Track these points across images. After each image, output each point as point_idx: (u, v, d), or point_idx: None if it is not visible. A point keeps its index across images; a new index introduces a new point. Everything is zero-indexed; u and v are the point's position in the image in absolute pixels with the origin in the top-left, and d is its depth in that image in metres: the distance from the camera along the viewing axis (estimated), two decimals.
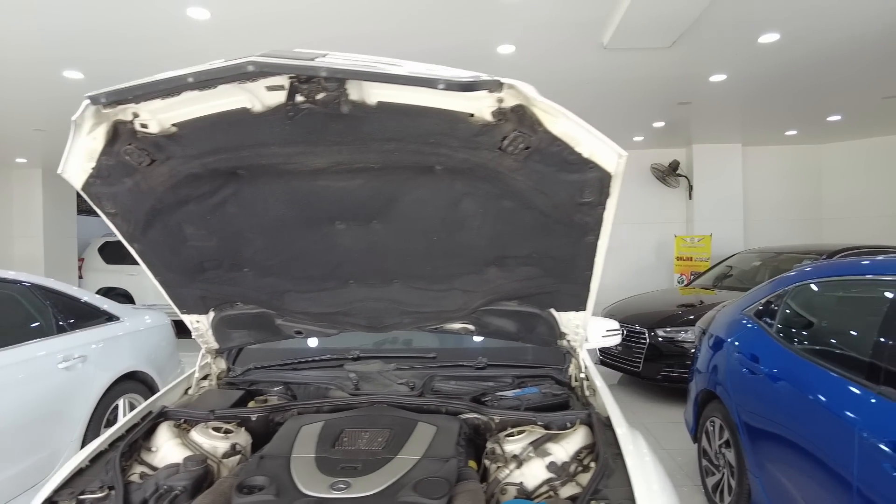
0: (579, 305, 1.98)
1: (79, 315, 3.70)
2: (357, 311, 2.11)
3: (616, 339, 2.89)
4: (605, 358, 6.15)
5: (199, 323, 2.30)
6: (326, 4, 3.83)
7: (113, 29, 4.07)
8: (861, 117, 7.82)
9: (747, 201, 9.79)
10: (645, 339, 5.58)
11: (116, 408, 3.74)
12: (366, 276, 1.97)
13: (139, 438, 1.81)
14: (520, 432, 1.75)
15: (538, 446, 1.67)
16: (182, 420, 1.95)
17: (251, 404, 2.19)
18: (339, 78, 1.20)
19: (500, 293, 1.99)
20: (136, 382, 3.92)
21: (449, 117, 1.32)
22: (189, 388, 2.37)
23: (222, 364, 2.55)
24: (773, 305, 3.02)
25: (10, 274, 3.48)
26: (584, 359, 2.41)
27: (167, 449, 1.76)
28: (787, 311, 2.91)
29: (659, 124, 7.86)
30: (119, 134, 1.44)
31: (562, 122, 1.34)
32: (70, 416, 3.30)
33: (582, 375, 2.25)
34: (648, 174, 9.86)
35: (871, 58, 5.14)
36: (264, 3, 3.75)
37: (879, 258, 2.58)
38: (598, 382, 2.18)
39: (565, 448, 1.66)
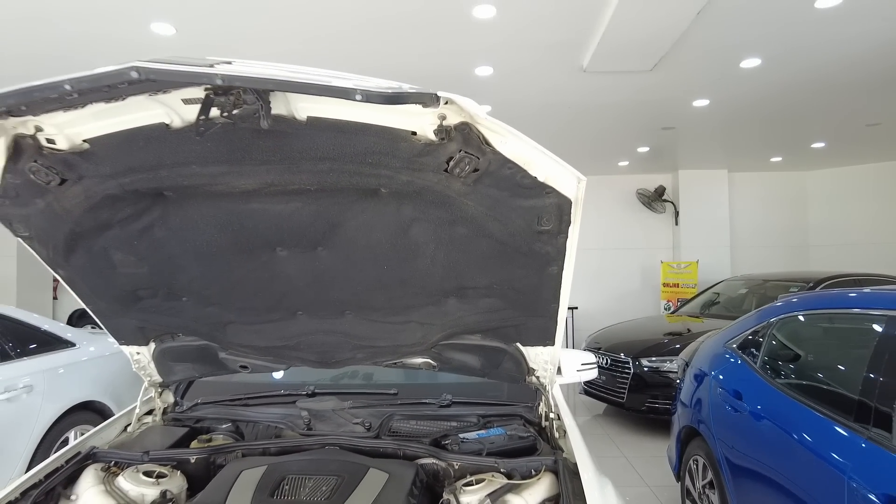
0: (547, 340, 1.88)
1: (31, 342, 3.49)
2: (306, 344, 1.97)
3: (592, 374, 2.73)
4: (589, 388, 5.98)
5: (140, 355, 2.17)
6: (294, 22, 3.73)
7: (76, 45, 3.94)
8: (845, 144, 7.84)
9: (734, 227, 9.76)
10: (629, 368, 5.42)
11: (67, 441, 3.51)
12: (315, 307, 1.83)
13: (58, 485, 1.66)
14: (479, 481, 1.62)
15: (496, 499, 1.56)
16: (112, 462, 1.80)
17: (194, 444, 2.05)
18: (251, 88, 1.06)
19: (461, 326, 1.86)
20: (91, 413, 3.69)
21: (389, 135, 1.20)
22: (129, 424, 2.21)
23: (169, 398, 2.40)
24: (757, 338, 2.88)
25: None
26: (556, 396, 2.27)
27: (87, 497, 1.61)
28: (773, 345, 2.77)
29: (644, 149, 7.83)
30: (22, 149, 1.31)
31: (512, 143, 1.22)
32: (9, 450, 3.07)
33: (552, 415, 2.10)
34: (634, 199, 9.82)
35: (853, 85, 5.13)
36: (230, 19, 3.65)
37: (867, 290, 2.46)
38: (569, 421, 2.04)
39: (526, 500, 1.55)
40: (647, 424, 5.43)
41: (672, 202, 9.78)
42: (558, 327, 1.79)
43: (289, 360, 2.06)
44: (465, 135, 1.19)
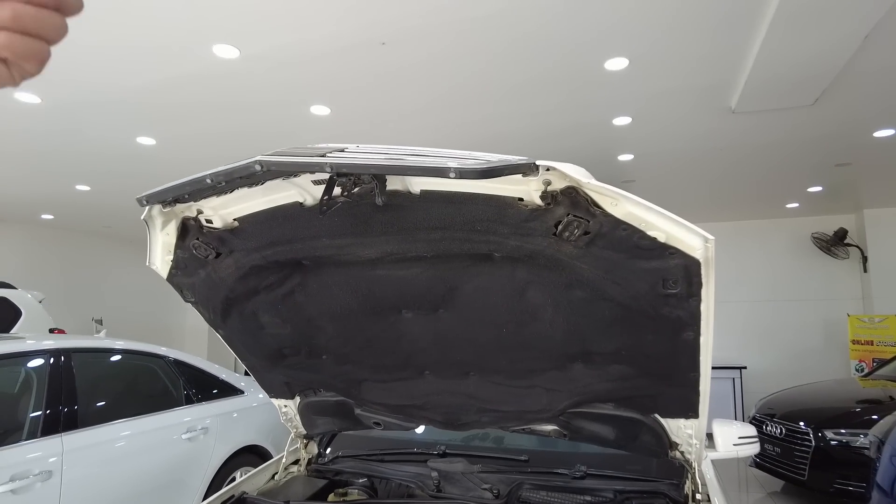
0: (689, 412, 1.72)
1: (207, 388, 3.97)
2: (433, 404, 2.00)
3: (753, 449, 2.39)
4: (762, 461, 5.24)
5: (287, 408, 2.36)
6: (434, 91, 3.99)
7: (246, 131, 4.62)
8: None
9: None
10: (810, 441, 4.67)
11: (234, 479, 3.88)
12: (440, 366, 1.88)
13: None
14: None
15: None
16: None
17: (331, 497, 2.17)
18: (353, 173, 1.16)
19: (590, 394, 1.77)
20: (254, 456, 4.06)
21: (496, 203, 1.25)
22: (276, 473, 2.39)
23: (314, 449, 2.56)
24: None
25: (156, 349, 3.87)
26: (707, 474, 2.03)
27: None
28: None
29: (815, 189, 6.96)
30: (188, 229, 1.56)
31: (624, 205, 1.17)
32: (188, 485, 3.47)
33: (699, 496, 1.87)
34: (809, 245, 8.69)
35: None
36: (378, 97, 4.01)
37: None
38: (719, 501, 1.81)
39: None
40: None
41: (858, 246, 8.48)
42: (702, 398, 1.65)
43: (417, 420, 2.11)
44: (573, 199, 1.19)
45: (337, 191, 1.27)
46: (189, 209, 1.51)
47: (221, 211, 1.48)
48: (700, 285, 1.29)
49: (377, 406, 2.11)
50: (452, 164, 1.03)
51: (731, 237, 9.02)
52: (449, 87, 3.89)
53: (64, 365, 3.12)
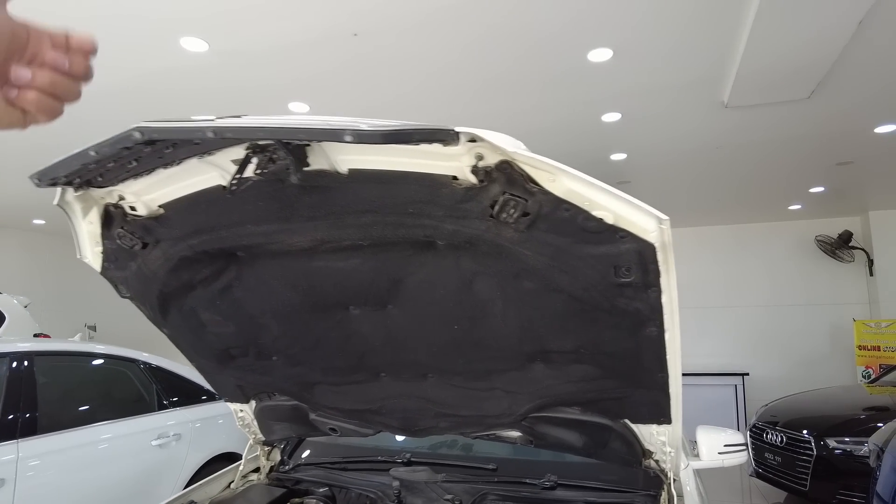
0: (661, 417, 1.60)
1: (183, 393, 3.84)
2: (389, 409, 1.88)
3: (740, 458, 2.23)
4: (763, 470, 5.05)
5: (244, 412, 2.25)
6: (411, 90, 3.88)
7: None
8: None
9: None
10: (811, 449, 4.49)
11: None
12: (396, 368, 1.76)
13: None
14: None
15: None
16: None
17: None
18: (238, 138, 1.04)
19: (552, 396, 1.64)
20: (230, 464, 3.92)
21: (429, 182, 1.12)
22: (233, 481, 2.27)
23: (277, 456, 2.44)
24: None
25: (129, 353, 3.74)
26: (686, 485, 1.89)
27: None
28: None
29: (817, 189, 6.79)
30: (113, 217, 1.45)
31: (563, 181, 1.04)
32: (156, 494, 3.34)
33: None
34: (813, 248, 8.50)
35: None
36: (354, 92, 3.88)
37: None
38: None
39: None
40: None
41: (863, 249, 8.29)
42: (673, 402, 1.52)
43: (374, 425, 2.00)
44: (508, 175, 1.07)
45: (247, 171, 1.15)
46: (110, 195, 1.40)
47: (145, 197, 1.36)
48: (658, 273, 1.15)
49: (331, 411, 2.00)
50: (345, 126, 0.90)
51: (733, 240, 8.85)
52: (425, 82, 3.77)
53: (25, 369, 3.01)
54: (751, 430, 5.35)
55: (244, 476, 2.32)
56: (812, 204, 7.59)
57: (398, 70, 3.57)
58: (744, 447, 2.26)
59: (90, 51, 0.56)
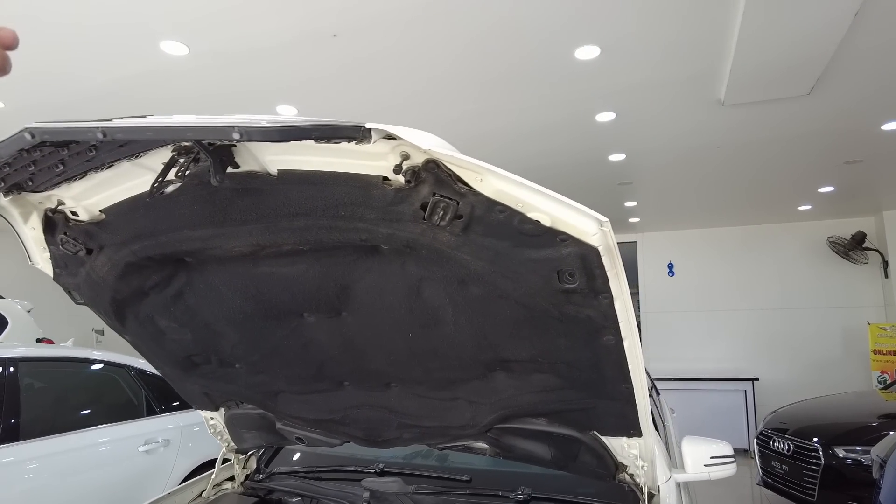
0: (630, 429, 1.53)
1: (174, 399, 3.81)
2: (353, 419, 1.83)
3: (728, 470, 2.13)
4: (771, 480, 4.91)
5: (214, 420, 2.21)
6: (406, 91, 3.83)
7: None
8: None
9: None
10: (818, 458, 4.34)
11: None
12: (358, 377, 1.72)
13: None
14: None
15: None
16: None
17: None
18: (129, 139, 1.00)
19: (515, 407, 1.58)
20: None
21: (360, 183, 1.08)
22: (204, 490, 2.23)
23: (254, 464, 2.40)
24: None
25: (118, 358, 3.72)
26: (666, 499, 1.81)
27: None
28: None
29: (827, 189, 6.61)
30: (55, 223, 1.43)
31: (491, 181, 0.98)
32: (142, 500, 3.29)
33: None
34: (826, 249, 8.30)
35: None
36: (348, 91, 3.83)
37: None
38: None
39: None
40: None
41: (878, 250, 8.07)
42: (641, 413, 1.46)
43: (338, 435, 1.94)
44: (436, 175, 1.01)
45: (170, 175, 1.10)
46: (49, 200, 1.37)
47: (84, 201, 1.33)
48: (606, 279, 1.09)
49: (296, 420, 1.96)
50: (234, 124, 0.84)
51: (742, 242, 8.67)
52: (417, 82, 3.72)
53: (9, 375, 2.99)
54: (758, 438, 5.21)
55: (217, 484, 2.28)
56: (822, 204, 7.40)
57: (388, 74, 3.53)
58: (732, 459, 2.16)
59: (10, 46, 0.60)
